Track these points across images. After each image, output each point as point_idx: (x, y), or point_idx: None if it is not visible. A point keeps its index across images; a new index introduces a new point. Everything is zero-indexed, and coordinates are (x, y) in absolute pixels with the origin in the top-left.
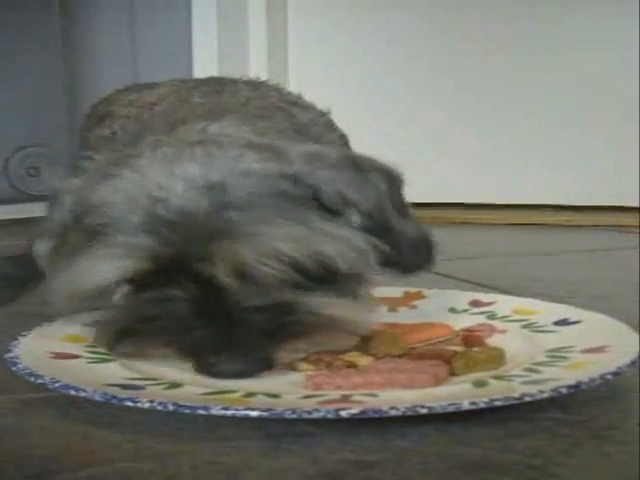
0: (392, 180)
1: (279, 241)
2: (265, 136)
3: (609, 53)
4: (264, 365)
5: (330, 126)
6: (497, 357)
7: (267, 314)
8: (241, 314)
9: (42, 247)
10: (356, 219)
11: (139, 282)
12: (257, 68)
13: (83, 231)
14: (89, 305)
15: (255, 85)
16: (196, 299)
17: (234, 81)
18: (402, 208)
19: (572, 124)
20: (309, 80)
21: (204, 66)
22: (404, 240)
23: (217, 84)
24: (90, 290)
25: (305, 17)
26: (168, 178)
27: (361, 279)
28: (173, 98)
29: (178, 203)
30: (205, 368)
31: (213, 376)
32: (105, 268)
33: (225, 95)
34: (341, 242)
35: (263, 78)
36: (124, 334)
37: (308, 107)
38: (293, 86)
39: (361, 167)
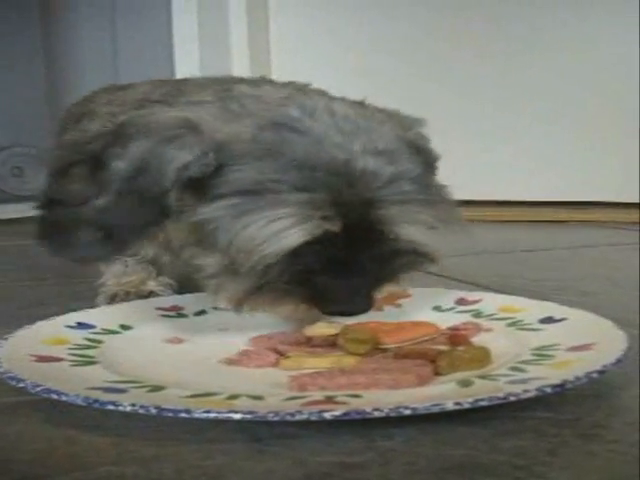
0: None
1: (443, 209)
2: None
3: (608, 51)
4: (369, 306)
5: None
6: (482, 356)
7: (386, 259)
8: (371, 261)
9: (174, 194)
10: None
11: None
12: (239, 68)
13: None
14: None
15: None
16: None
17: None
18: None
19: (556, 121)
20: (291, 78)
21: (186, 69)
22: None
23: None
24: (280, 252)
25: (286, 16)
26: (344, 139)
27: None
28: (166, 89)
29: (362, 165)
30: (332, 308)
31: (339, 315)
32: (294, 230)
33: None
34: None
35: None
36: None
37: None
38: (275, 76)
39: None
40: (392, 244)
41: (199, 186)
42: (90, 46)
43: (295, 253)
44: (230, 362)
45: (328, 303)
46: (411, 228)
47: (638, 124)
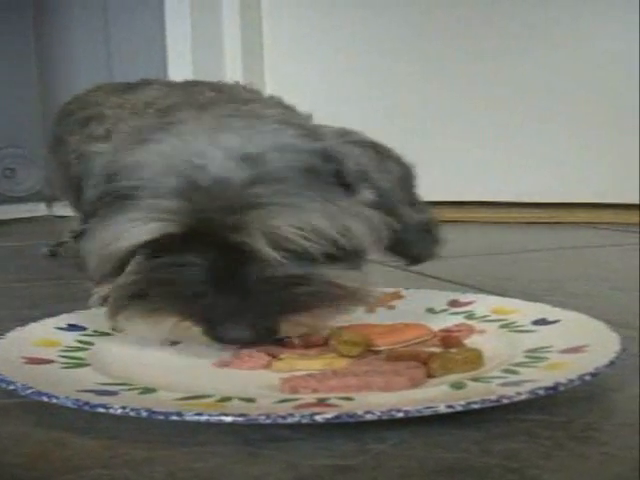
0: (405, 169)
1: (317, 216)
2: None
3: (603, 48)
4: (266, 335)
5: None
6: (475, 358)
7: (280, 285)
8: (255, 283)
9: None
10: (370, 197)
11: (162, 247)
12: (232, 68)
13: (115, 194)
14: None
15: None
16: (214, 266)
17: (219, 83)
18: (412, 197)
19: (548, 121)
20: (285, 79)
21: (178, 67)
22: (409, 226)
23: (206, 85)
24: (121, 252)
25: (279, 17)
26: (208, 146)
27: (365, 255)
28: (173, 97)
29: (216, 171)
30: (211, 333)
31: (218, 341)
32: (136, 230)
33: (225, 93)
34: (365, 220)
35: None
36: (135, 297)
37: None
38: (269, 84)
39: (381, 151)
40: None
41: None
42: (83, 47)
43: (156, 259)
44: (222, 364)
45: (210, 323)
46: (260, 236)
47: (636, 124)
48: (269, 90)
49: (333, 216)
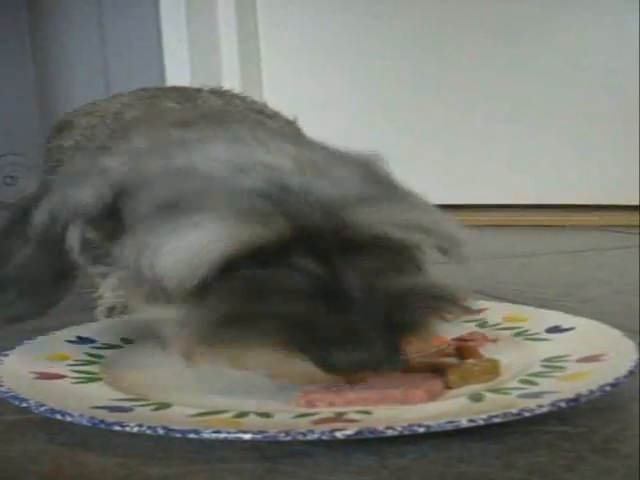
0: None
1: (418, 213)
2: None
3: (608, 49)
4: (396, 358)
5: (299, 135)
6: (492, 368)
7: (393, 296)
8: (368, 297)
9: (75, 235)
10: None
11: (254, 256)
12: (230, 75)
13: (146, 206)
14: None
15: (219, 94)
16: (320, 278)
17: (198, 90)
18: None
19: (553, 123)
20: (283, 85)
21: (176, 71)
22: None
23: (183, 92)
24: (217, 261)
25: (276, 21)
26: (268, 153)
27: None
28: (142, 106)
29: (294, 175)
30: (325, 361)
31: (332, 371)
32: (233, 233)
33: (198, 102)
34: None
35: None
36: (228, 321)
37: (274, 115)
38: (267, 90)
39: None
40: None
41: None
42: (80, 54)
43: (251, 270)
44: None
45: (328, 349)
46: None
47: (637, 125)
48: (267, 96)
49: (429, 211)
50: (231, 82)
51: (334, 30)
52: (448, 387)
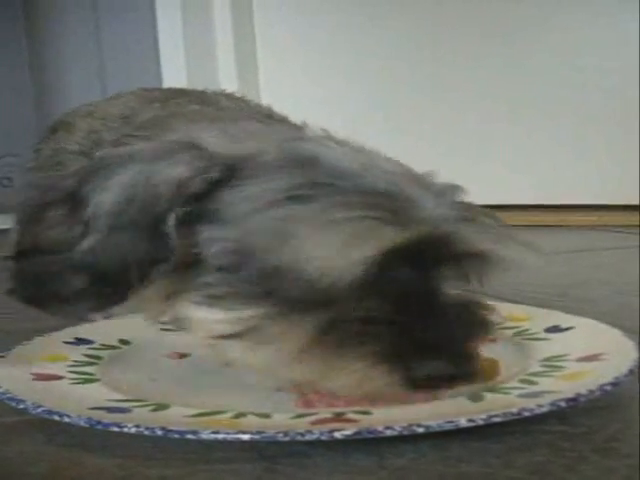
0: None
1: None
2: None
3: (604, 49)
4: (475, 372)
5: None
6: (491, 368)
7: (473, 310)
8: (458, 310)
9: (171, 215)
10: None
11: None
12: (227, 77)
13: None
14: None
15: (226, 96)
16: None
17: (202, 92)
18: None
19: (552, 123)
20: (279, 86)
21: (172, 74)
22: None
23: (192, 93)
24: (370, 260)
25: (272, 22)
26: (378, 158)
27: None
28: (158, 107)
29: (407, 190)
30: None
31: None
32: (381, 233)
33: (221, 105)
34: None
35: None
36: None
37: (282, 120)
38: (264, 91)
39: None
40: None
41: (198, 213)
42: (76, 55)
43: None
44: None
45: (423, 362)
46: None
47: (637, 125)
48: (264, 99)
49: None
50: (228, 85)
51: (330, 32)
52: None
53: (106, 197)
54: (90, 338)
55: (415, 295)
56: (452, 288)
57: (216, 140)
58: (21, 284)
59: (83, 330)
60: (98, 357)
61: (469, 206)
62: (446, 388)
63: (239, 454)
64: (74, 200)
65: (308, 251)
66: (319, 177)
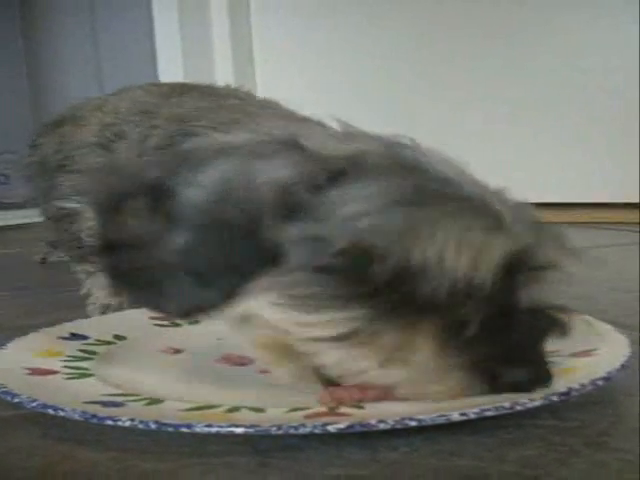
0: None
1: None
2: None
3: (606, 50)
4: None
5: None
6: None
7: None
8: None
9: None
10: None
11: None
12: (223, 71)
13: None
14: None
15: (234, 90)
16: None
17: (209, 86)
18: None
19: (549, 121)
20: (275, 81)
21: (169, 72)
22: None
23: (195, 89)
24: (498, 265)
25: (268, 17)
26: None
27: None
28: (176, 102)
29: (497, 205)
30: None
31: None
32: (506, 241)
33: (229, 98)
34: None
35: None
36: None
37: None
38: (260, 86)
39: None
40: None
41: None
42: (72, 52)
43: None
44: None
45: (509, 369)
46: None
47: (638, 123)
48: (260, 93)
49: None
50: (224, 76)
51: (327, 29)
52: None
53: (196, 193)
54: (85, 334)
55: (504, 303)
56: (530, 295)
57: (317, 139)
58: (117, 281)
59: (78, 326)
60: (93, 352)
61: (539, 224)
62: (526, 391)
63: (233, 448)
64: (157, 192)
65: (451, 252)
66: (428, 183)
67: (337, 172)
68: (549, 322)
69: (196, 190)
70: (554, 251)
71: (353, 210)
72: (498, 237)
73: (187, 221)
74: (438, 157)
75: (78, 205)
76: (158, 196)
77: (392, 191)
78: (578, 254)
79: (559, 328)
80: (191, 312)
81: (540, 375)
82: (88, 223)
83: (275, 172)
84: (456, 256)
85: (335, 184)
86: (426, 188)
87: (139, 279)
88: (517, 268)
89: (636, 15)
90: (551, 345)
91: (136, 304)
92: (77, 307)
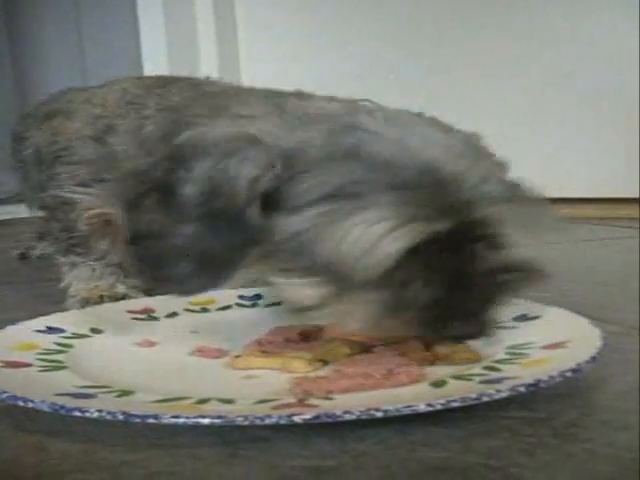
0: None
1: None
2: None
3: (610, 46)
4: (491, 330)
5: None
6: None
7: (498, 275)
8: (481, 277)
9: (255, 209)
10: None
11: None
12: (207, 62)
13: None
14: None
15: (212, 81)
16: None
17: (190, 78)
18: None
19: (543, 116)
20: (260, 73)
21: (153, 63)
22: None
23: (178, 80)
24: (398, 254)
25: (253, 7)
26: (423, 142)
27: None
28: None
29: (450, 167)
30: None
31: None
32: (411, 227)
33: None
34: None
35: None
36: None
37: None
38: (245, 77)
39: None
40: (501, 252)
41: (267, 202)
42: (57, 46)
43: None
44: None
45: (444, 325)
46: (519, 229)
47: (638, 121)
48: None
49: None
50: (209, 69)
51: (313, 22)
52: (436, 358)
53: (191, 189)
54: (62, 327)
55: (448, 271)
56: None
57: (271, 130)
58: (141, 269)
59: (55, 319)
60: (69, 345)
61: (513, 185)
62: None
63: (202, 439)
64: (164, 189)
65: (345, 247)
66: (361, 174)
67: (287, 162)
68: (501, 283)
69: (190, 187)
70: (523, 220)
71: (298, 202)
72: (410, 225)
73: (189, 213)
74: (388, 130)
75: (75, 195)
76: (163, 193)
77: (325, 184)
78: (555, 224)
79: (515, 285)
80: (203, 289)
81: (477, 329)
82: (84, 212)
83: (242, 169)
84: (349, 249)
85: (288, 174)
86: (355, 181)
87: (159, 265)
88: (467, 237)
89: (637, 10)
90: (524, 337)
91: (155, 287)
92: (55, 302)
